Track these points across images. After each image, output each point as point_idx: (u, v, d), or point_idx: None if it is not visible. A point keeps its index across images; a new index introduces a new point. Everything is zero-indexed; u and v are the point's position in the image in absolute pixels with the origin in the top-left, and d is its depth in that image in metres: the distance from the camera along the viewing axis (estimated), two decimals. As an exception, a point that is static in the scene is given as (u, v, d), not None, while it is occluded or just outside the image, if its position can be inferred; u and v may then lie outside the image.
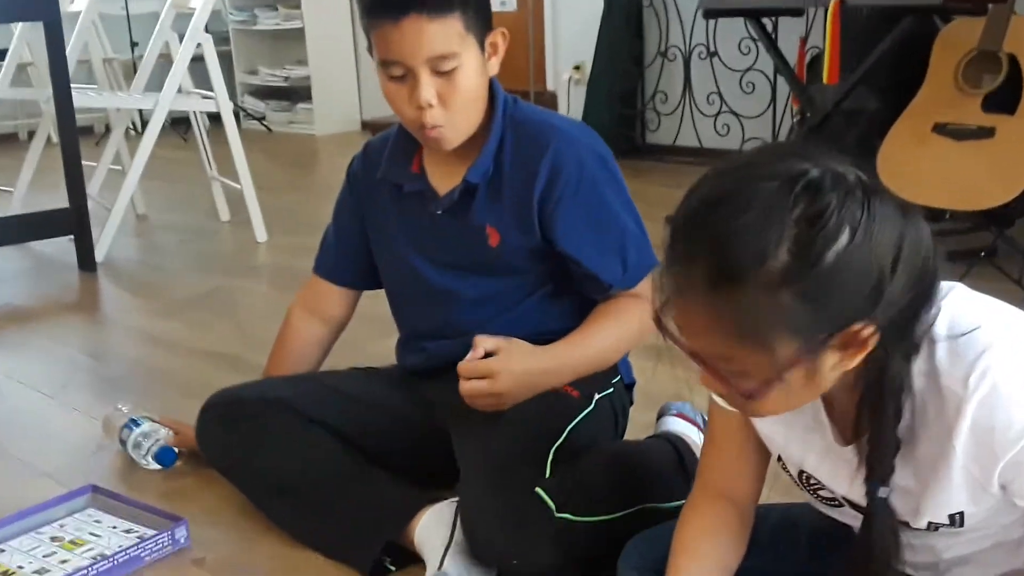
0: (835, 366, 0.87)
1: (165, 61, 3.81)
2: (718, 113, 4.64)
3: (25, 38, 3.91)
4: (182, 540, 1.54)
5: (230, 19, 6.45)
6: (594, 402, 1.47)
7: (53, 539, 1.56)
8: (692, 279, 0.85)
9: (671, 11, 4.73)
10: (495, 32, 1.38)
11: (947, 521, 0.95)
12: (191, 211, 4.18)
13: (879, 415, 0.90)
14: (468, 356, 1.38)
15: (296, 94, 6.38)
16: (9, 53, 3.89)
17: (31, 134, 4.61)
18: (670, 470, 1.44)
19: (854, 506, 1.02)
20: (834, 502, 1.06)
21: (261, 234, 3.62)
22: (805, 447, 1.02)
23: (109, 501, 1.65)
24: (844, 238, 0.81)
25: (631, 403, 1.62)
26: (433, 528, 1.36)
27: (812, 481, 1.05)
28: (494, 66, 1.39)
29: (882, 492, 0.93)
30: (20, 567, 1.48)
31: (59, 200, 3.27)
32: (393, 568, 1.41)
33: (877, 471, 0.92)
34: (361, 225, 1.58)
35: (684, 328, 0.88)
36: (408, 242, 1.51)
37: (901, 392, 0.89)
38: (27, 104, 5.87)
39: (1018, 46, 2.70)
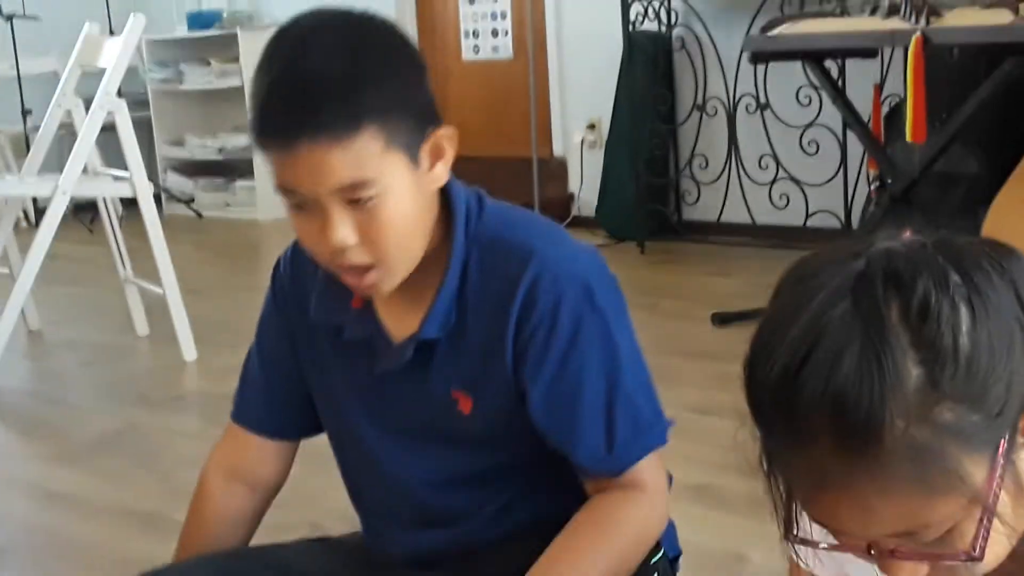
0: None
1: (66, 133, 3.87)
2: (773, 180, 4.69)
3: None
4: None
5: (149, 77, 6.58)
6: None
7: None
8: (826, 459, 0.84)
9: (709, 55, 4.82)
10: (435, 134, 1.31)
11: None
12: (99, 325, 4.18)
13: None
14: None
15: (233, 169, 6.47)
16: None
17: None
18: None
19: None
20: None
21: (189, 352, 3.62)
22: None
23: None
24: (965, 313, 0.84)
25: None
26: None
27: None
28: (441, 174, 1.34)
29: None
30: None
31: (-72, 315, 3.30)
32: None
33: None
34: (294, 352, 1.54)
35: (844, 523, 0.88)
36: (357, 405, 1.46)
37: None
38: None
39: None
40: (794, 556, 1.06)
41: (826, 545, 0.90)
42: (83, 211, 5.76)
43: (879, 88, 4.10)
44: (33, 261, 3.45)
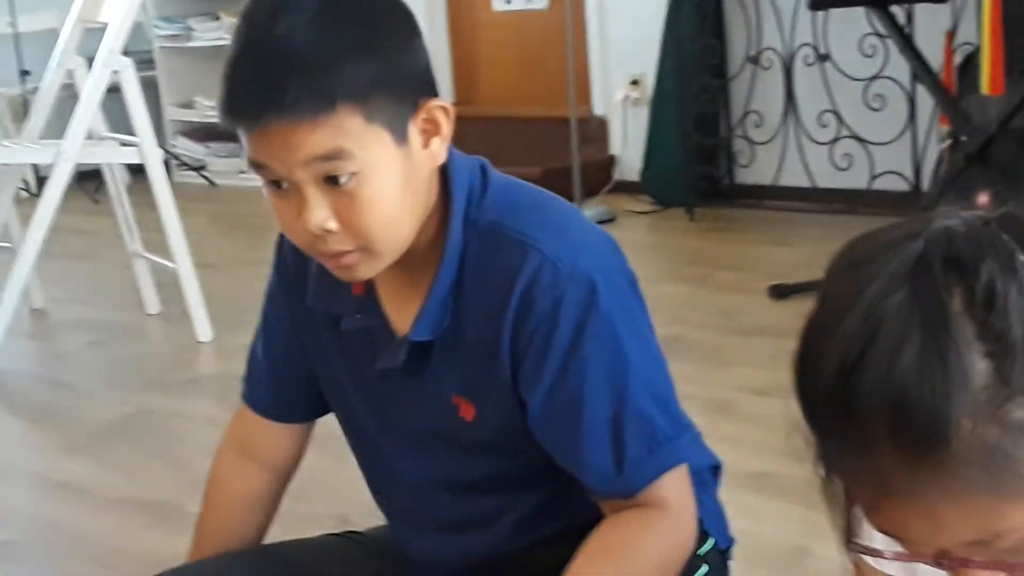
0: None
1: (68, 95, 3.89)
2: (835, 139, 4.66)
3: None
4: None
5: (156, 34, 6.60)
6: None
7: None
8: (887, 465, 0.84)
9: (763, 2, 4.78)
10: (428, 106, 1.27)
11: None
12: (106, 302, 4.22)
13: None
14: None
15: (248, 133, 6.49)
16: None
17: None
18: None
19: None
20: None
21: (204, 331, 3.65)
22: None
23: None
24: None
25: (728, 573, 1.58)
26: None
27: None
28: (438, 152, 1.30)
29: None
30: None
31: (-75, 293, 3.33)
32: None
33: None
34: (298, 334, 1.54)
35: (910, 532, 0.88)
36: (361, 400, 1.46)
37: None
38: None
39: None
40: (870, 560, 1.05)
41: (891, 554, 0.90)
42: (87, 180, 5.79)
43: (951, 35, 4.05)
44: (36, 234, 3.48)
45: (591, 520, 1.35)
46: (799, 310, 0.89)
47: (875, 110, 4.51)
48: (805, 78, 4.71)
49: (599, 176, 5.32)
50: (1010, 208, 0.88)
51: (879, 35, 4.32)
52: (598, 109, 5.53)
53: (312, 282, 1.43)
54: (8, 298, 3.48)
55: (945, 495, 0.83)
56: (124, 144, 3.70)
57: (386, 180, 1.24)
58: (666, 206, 5.00)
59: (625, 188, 5.26)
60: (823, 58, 4.61)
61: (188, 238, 3.68)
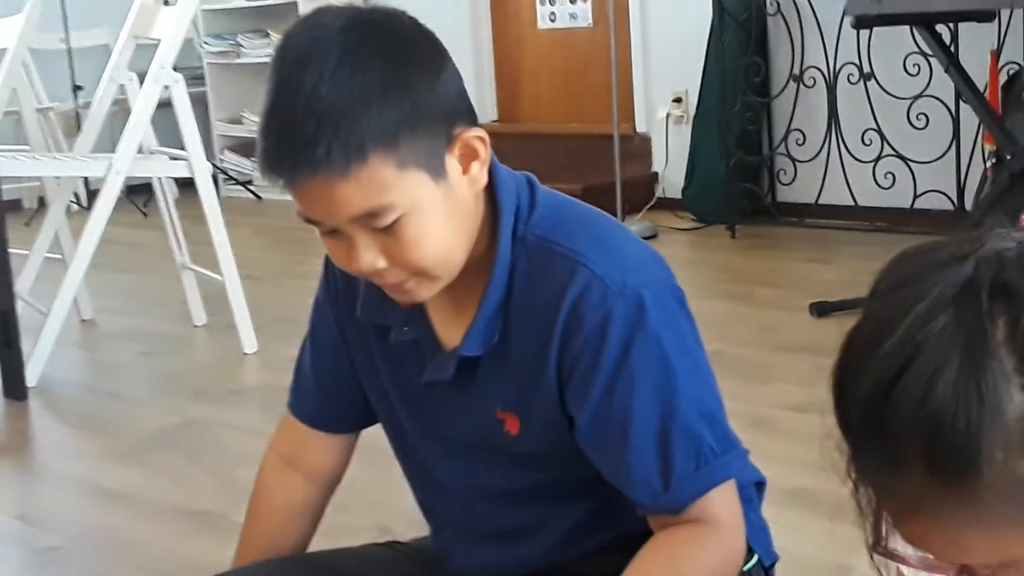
0: None
1: (120, 110, 3.93)
2: (878, 158, 4.63)
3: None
4: None
5: (205, 50, 6.66)
6: None
7: None
8: (917, 486, 0.84)
9: (807, 19, 4.77)
10: (463, 137, 1.26)
11: None
12: (154, 313, 4.26)
13: None
14: None
15: (294, 148, 6.53)
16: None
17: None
18: None
19: None
20: None
21: (249, 343, 3.67)
22: None
23: None
24: None
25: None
26: None
27: None
28: (478, 175, 1.30)
29: None
30: None
31: (-22, 303, 3.36)
32: None
33: None
34: (346, 345, 1.52)
35: (935, 550, 0.87)
36: (407, 411, 1.47)
37: None
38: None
39: None
40: (897, 566, 1.04)
41: (917, 561, 0.89)
42: (136, 193, 5.86)
43: (996, 55, 4.03)
44: (86, 246, 3.52)
45: (638, 532, 1.35)
46: (840, 328, 0.89)
47: (919, 129, 4.49)
48: (848, 96, 4.70)
49: (642, 193, 5.32)
50: None
51: (923, 54, 4.29)
52: (641, 126, 5.53)
53: (361, 294, 1.44)
54: (58, 309, 3.51)
55: (972, 523, 0.83)
56: (174, 158, 3.73)
57: (429, 216, 1.25)
58: (708, 223, 4.99)
59: (667, 205, 5.25)
60: (867, 77, 4.59)
61: (235, 251, 3.71)
